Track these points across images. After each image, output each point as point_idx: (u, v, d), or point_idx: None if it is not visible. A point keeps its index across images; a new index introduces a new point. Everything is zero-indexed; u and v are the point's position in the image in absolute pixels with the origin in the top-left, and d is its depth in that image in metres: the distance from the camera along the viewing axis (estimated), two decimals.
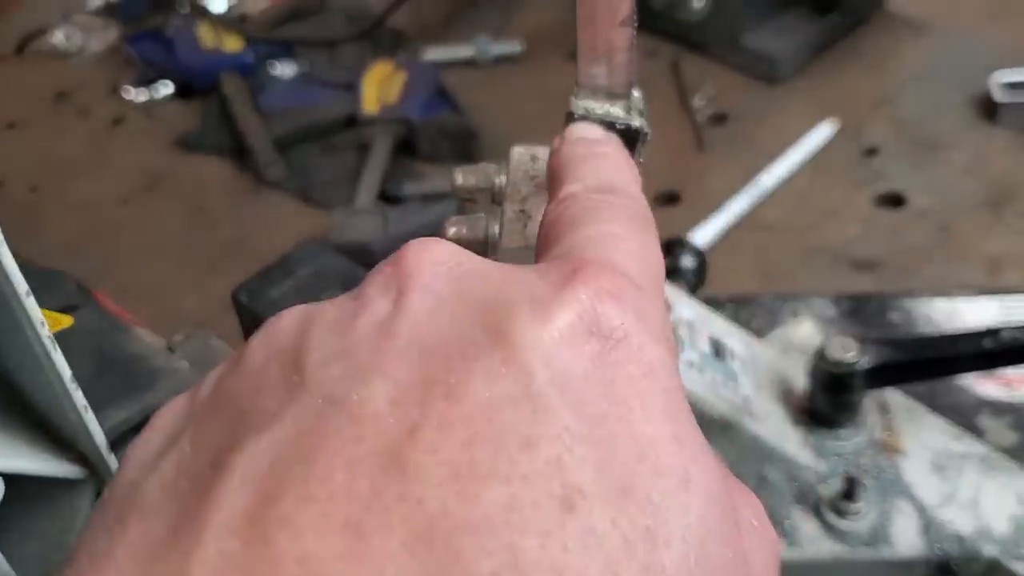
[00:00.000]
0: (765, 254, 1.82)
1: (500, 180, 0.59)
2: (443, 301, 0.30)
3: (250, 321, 0.80)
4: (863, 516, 0.85)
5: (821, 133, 2.07)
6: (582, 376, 0.28)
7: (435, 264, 0.31)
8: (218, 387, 0.31)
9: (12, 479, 0.41)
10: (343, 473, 0.25)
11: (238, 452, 0.27)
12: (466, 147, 2.29)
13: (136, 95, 2.77)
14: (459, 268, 0.31)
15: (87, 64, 2.99)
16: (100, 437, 0.45)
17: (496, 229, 0.58)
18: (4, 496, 0.40)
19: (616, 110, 0.53)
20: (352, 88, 2.52)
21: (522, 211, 0.57)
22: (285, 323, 0.32)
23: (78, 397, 0.42)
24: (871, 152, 2.06)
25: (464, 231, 0.58)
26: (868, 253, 1.79)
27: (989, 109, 2.08)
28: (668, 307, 0.57)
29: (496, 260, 0.56)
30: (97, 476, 0.46)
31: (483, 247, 0.58)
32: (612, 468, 0.26)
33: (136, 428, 0.74)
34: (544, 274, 0.31)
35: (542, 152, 0.59)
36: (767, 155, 2.05)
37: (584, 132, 0.48)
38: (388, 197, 2.23)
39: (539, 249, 0.38)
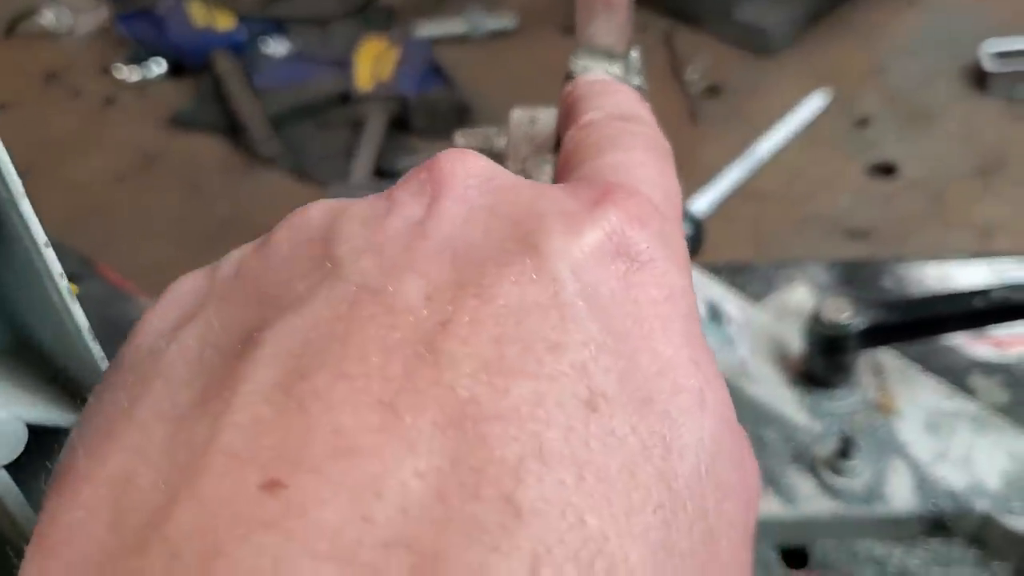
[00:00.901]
0: (759, 223, 1.84)
1: (500, 143, 0.61)
2: (476, 210, 0.30)
3: None
4: (858, 474, 0.87)
5: (813, 104, 2.09)
6: (608, 292, 0.28)
7: (469, 175, 0.31)
8: (242, 268, 0.31)
9: (33, 431, 0.42)
10: (378, 356, 0.26)
11: (269, 329, 0.27)
12: (460, 122, 2.30)
13: (128, 74, 2.78)
14: (492, 181, 0.31)
15: (78, 44, 2.99)
16: None
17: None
18: (26, 447, 0.41)
19: (615, 69, 0.54)
20: (345, 65, 2.54)
21: (522, 171, 0.58)
22: (313, 213, 0.31)
23: (96, 349, 0.43)
24: (863, 122, 2.08)
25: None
26: (860, 221, 1.80)
27: (979, 79, 2.10)
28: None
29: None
30: None
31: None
32: (634, 379, 0.27)
33: None
34: (574, 193, 0.31)
35: (542, 114, 0.60)
36: (760, 127, 2.07)
37: (593, 79, 0.48)
38: (383, 172, 2.24)
39: (561, 171, 0.39)
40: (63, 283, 0.41)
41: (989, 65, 2.07)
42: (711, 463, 0.28)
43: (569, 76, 0.53)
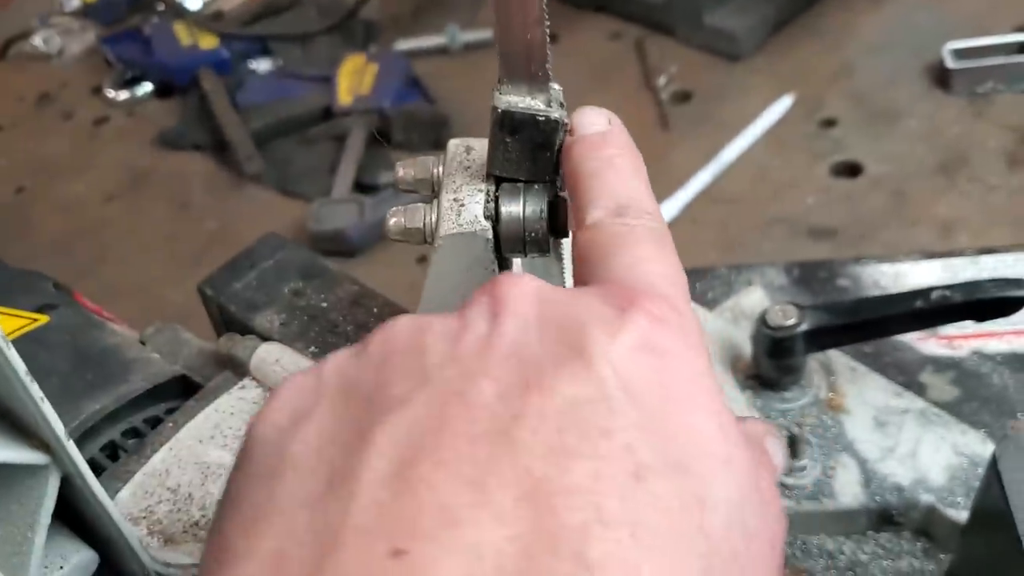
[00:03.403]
0: (726, 226, 1.87)
1: (438, 171, 0.63)
2: (530, 323, 0.37)
3: (216, 311, 0.84)
4: (807, 472, 0.89)
5: (780, 107, 2.11)
6: (643, 383, 0.35)
7: (522, 294, 0.38)
8: (344, 373, 0.38)
9: None
10: (466, 445, 0.31)
11: (380, 425, 0.33)
12: (438, 134, 2.33)
13: (117, 95, 2.81)
14: (540, 297, 0.38)
15: (68, 66, 3.03)
16: (59, 426, 0.49)
17: (434, 218, 0.61)
18: None
19: (537, 103, 0.56)
20: (327, 81, 2.57)
21: (455, 200, 0.60)
22: (400, 328, 0.38)
23: (35, 390, 0.46)
24: (829, 123, 2.12)
25: (403, 220, 0.62)
26: (826, 222, 1.83)
27: (942, 77, 2.14)
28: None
29: (435, 246, 0.60)
30: (59, 462, 0.51)
31: (421, 234, 0.62)
32: (671, 451, 0.33)
33: (111, 416, 0.78)
34: (606, 299, 0.38)
35: (476, 143, 0.63)
36: (730, 131, 2.11)
37: (589, 125, 0.52)
38: (364, 186, 2.27)
39: (579, 271, 0.45)
40: (1, 333, 0.44)
41: (951, 62, 2.09)
42: (739, 513, 0.34)
43: (494, 109, 0.56)
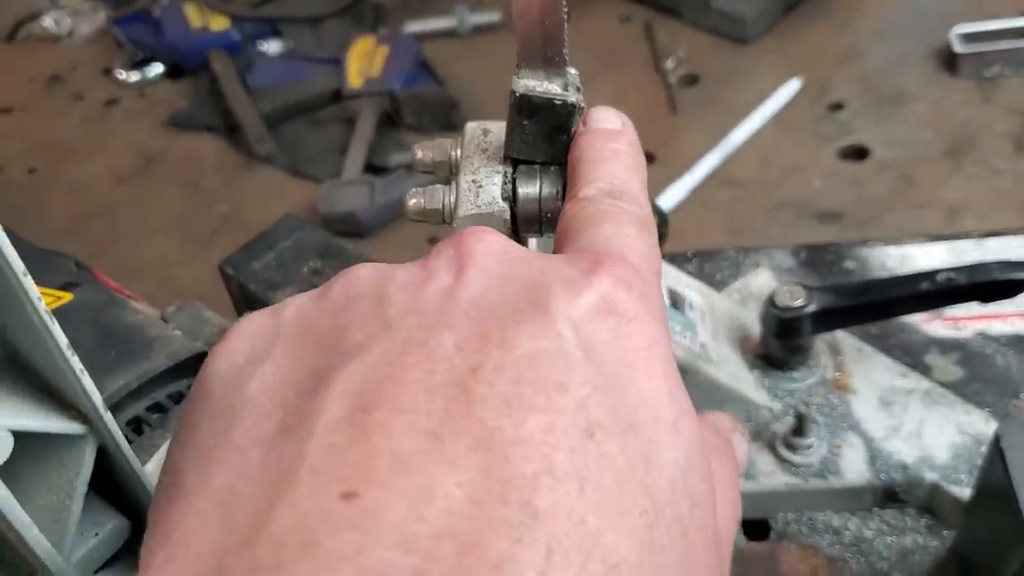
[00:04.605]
0: (734, 209, 1.88)
1: (456, 153, 0.64)
2: (494, 278, 0.37)
3: (236, 290, 0.86)
4: (814, 450, 0.90)
5: (787, 90, 2.12)
6: (602, 343, 0.35)
7: (488, 250, 0.38)
8: (305, 315, 0.38)
9: (21, 436, 0.47)
10: (423, 394, 0.32)
11: (338, 370, 0.33)
12: (448, 117, 2.34)
13: (128, 76, 2.82)
14: (507, 254, 0.38)
15: (78, 47, 3.03)
16: (97, 397, 0.51)
17: (452, 199, 0.63)
18: (16, 452, 0.47)
19: (554, 87, 0.57)
20: (337, 63, 2.57)
21: (474, 181, 0.61)
22: (363, 275, 0.38)
23: (75, 362, 0.48)
24: (836, 107, 2.13)
25: (423, 202, 0.64)
26: (833, 205, 1.84)
27: (950, 61, 2.15)
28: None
29: (453, 226, 0.61)
30: (96, 432, 0.53)
31: (440, 214, 0.63)
32: (622, 411, 0.34)
33: (135, 392, 0.80)
34: (573, 262, 0.38)
35: (493, 126, 0.64)
36: (737, 114, 2.11)
37: (602, 121, 0.53)
38: (374, 168, 2.28)
39: (560, 239, 0.45)
40: (41, 306, 0.46)
41: (958, 46, 2.10)
42: (684, 477, 0.35)
43: (512, 93, 0.57)
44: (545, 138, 0.58)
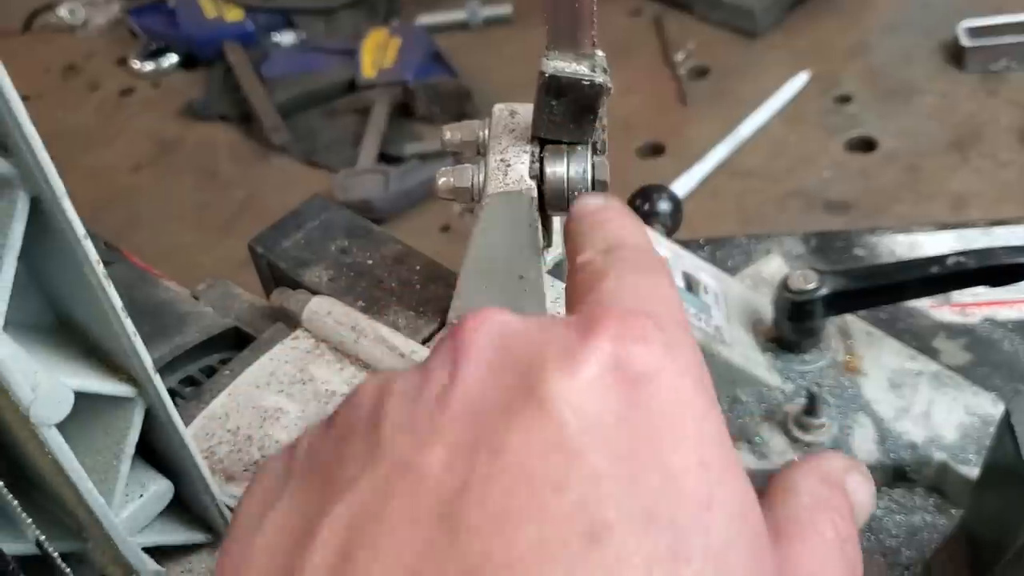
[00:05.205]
0: (743, 199, 1.89)
1: (483, 134, 0.66)
2: (490, 366, 0.33)
3: (266, 268, 0.88)
4: (825, 430, 0.91)
5: (796, 83, 2.14)
6: (613, 417, 0.30)
7: (485, 335, 0.34)
8: (311, 452, 0.36)
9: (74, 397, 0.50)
10: (407, 528, 0.29)
11: (325, 516, 0.31)
12: (461, 107, 2.37)
13: (143, 66, 2.83)
14: (505, 336, 0.34)
15: (93, 37, 3.05)
16: (147, 360, 0.53)
17: (481, 178, 0.65)
18: (77, 410, 0.49)
19: (582, 68, 0.59)
20: (351, 54, 2.59)
21: (502, 160, 0.64)
22: (366, 392, 0.35)
23: (128, 324, 0.50)
24: (844, 100, 2.15)
25: (452, 180, 0.66)
26: (841, 195, 1.86)
27: (957, 55, 2.17)
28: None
29: (481, 204, 0.63)
30: (145, 395, 0.55)
31: (469, 193, 0.65)
32: (637, 499, 0.29)
33: (168, 366, 0.82)
34: (571, 326, 0.33)
35: (520, 108, 0.66)
36: (747, 106, 2.13)
37: (585, 205, 0.47)
38: (388, 157, 2.30)
39: (568, 312, 0.41)
40: (100, 268, 0.49)
41: (966, 40, 2.12)
42: (722, 560, 0.30)
43: (541, 74, 0.59)
44: (573, 118, 0.60)
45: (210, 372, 0.83)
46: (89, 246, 0.47)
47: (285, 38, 2.79)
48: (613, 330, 0.32)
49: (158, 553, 0.62)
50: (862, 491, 0.41)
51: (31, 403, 0.45)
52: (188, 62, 2.84)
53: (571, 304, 0.40)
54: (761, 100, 2.13)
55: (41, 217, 0.46)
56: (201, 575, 0.66)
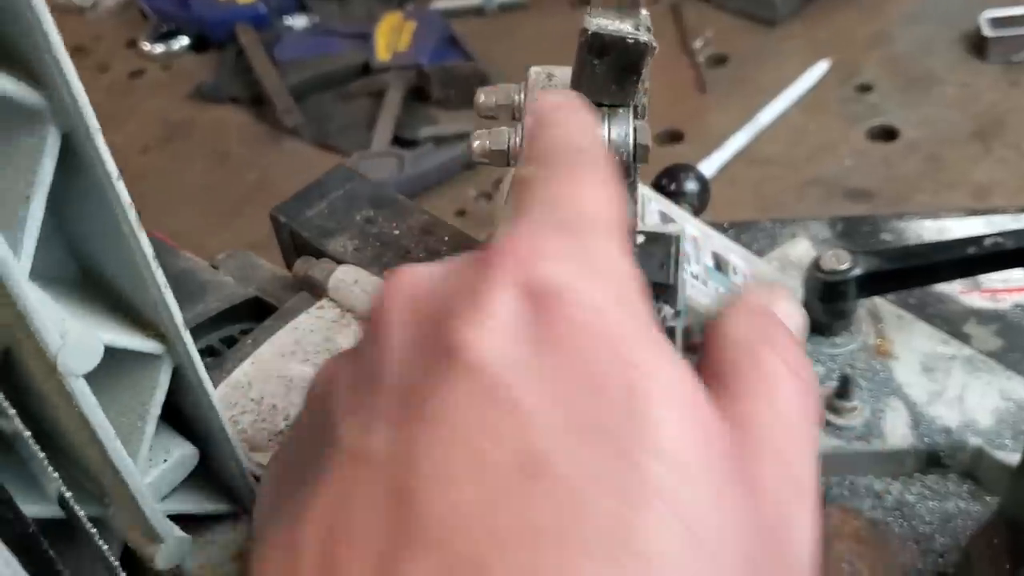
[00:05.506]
0: (762, 187, 1.88)
1: (519, 98, 0.64)
2: (406, 330, 0.31)
3: (288, 237, 0.86)
4: (857, 413, 0.89)
5: (816, 71, 2.13)
6: (529, 343, 0.28)
7: (397, 297, 0.32)
8: (283, 455, 0.36)
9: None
10: (369, 514, 0.28)
11: (299, 524, 0.29)
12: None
13: (153, 48, 2.82)
14: (415, 294, 0.32)
15: (103, 19, 3.03)
16: (178, 315, 0.50)
17: (518, 140, 0.63)
18: (101, 367, 0.47)
19: (626, 26, 0.57)
20: (364, 38, 2.58)
21: None
22: (317, 384, 0.35)
23: (159, 275, 0.48)
24: (865, 89, 2.14)
25: (488, 143, 0.64)
26: (862, 184, 1.85)
27: (978, 45, 2.16)
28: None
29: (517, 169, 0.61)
30: (173, 352, 0.53)
31: (505, 156, 0.63)
32: (569, 418, 0.27)
33: (191, 333, 0.80)
34: (473, 263, 0.31)
35: (557, 71, 0.64)
36: (765, 94, 2.12)
37: (544, 102, 0.42)
38: (402, 141, 2.29)
39: None
40: (132, 214, 0.46)
41: (988, 30, 2.10)
42: (672, 453, 0.28)
43: (583, 32, 0.57)
44: (615, 79, 0.58)
45: (231, 342, 0.81)
46: (122, 188, 0.45)
47: (298, 21, 2.77)
48: (512, 256, 0.30)
49: (179, 523, 0.59)
50: (795, 314, 0.38)
51: (59, 351, 0.42)
52: (199, 44, 2.82)
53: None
54: (780, 88, 2.11)
55: (72, 157, 0.44)
56: (225, 547, 0.63)
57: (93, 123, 0.42)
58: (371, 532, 0.27)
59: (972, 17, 2.18)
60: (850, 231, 1.16)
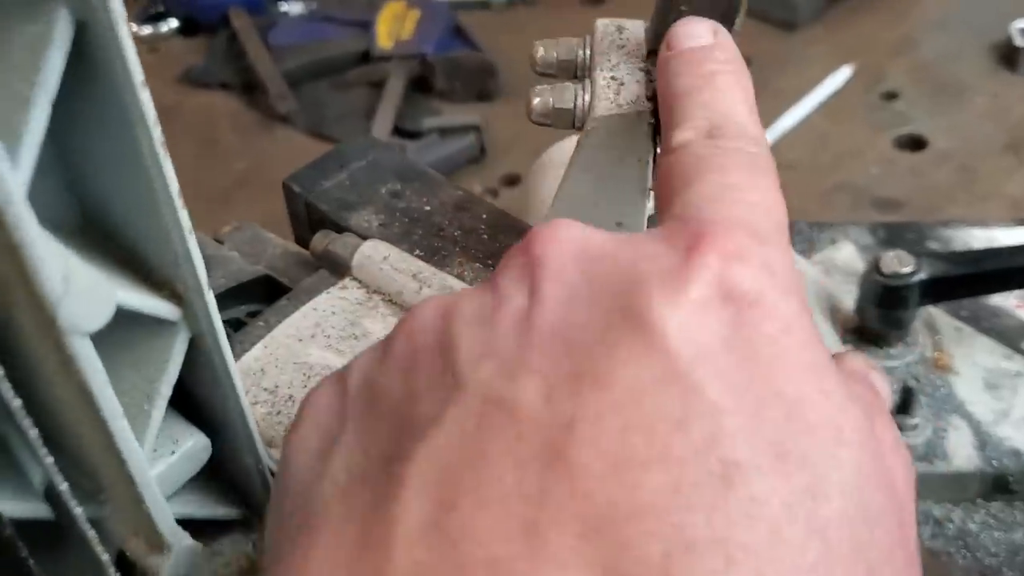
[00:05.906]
0: (786, 192, 1.83)
1: (584, 53, 0.59)
2: (576, 287, 0.30)
3: (302, 209, 0.78)
4: (919, 431, 0.85)
5: (839, 77, 2.12)
6: (723, 344, 0.28)
7: (563, 252, 0.31)
8: (369, 385, 0.33)
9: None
10: (512, 474, 0.26)
11: (409, 461, 0.28)
12: (484, 84, 2.29)
13: (140, 30, 2.75)
14: (588, 251, 0.31)
15: None
16: (201, 270, 0.41)
17: (587, 98, 0.56)
18: (100, 334, 0.37)
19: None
20: (365, 25, 2.51)
21: (613, 78, 0.56)
22: (425, 316, 0.32)
23: (184, 217, 0.38)
24: (891, 96, 2.11)
25: (551, 100, 0.58)
26: (891, 193, 1.83)
27: (1009, 55, 2.13)
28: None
29: (585, 130, 0.55)
30: (191, 319, 0.43)
31: (570, 116, 0.57)
32: (764, 435, 0.27)
33: None
34: (669, 243, 0.31)
35: (628, 23, 0.59)
36: (789, 99, 2.09)
37: (689, 37, 0.45)
38: (403, 132, 2.23)
39: (658, 204, 0.38)
40: (157, 133, 0.37)
41: (1020, 41, 2.09)
42: (857, 495, 0.27)
43: None
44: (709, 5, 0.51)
45: (236, 325, 0.72)
46: (147, 99, 0.35)
47: (293, 7, 2.70)
48: (718, 247, 0.30)
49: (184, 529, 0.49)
50: (885, 389, 0.38)
51: (60, 299, 0.32)
52: (188, 28, 2.74)
53: (664, 194, 0.37)
54: (802, 93, 2.09)
55: (85, 54, 0.34)
56: (236, 560, 0.54)
57: (117, 7, 0.32)
58: (510, 492, 0.26)
59: (1002, 26, 2.15)
60: (893, 238, 1.12)
